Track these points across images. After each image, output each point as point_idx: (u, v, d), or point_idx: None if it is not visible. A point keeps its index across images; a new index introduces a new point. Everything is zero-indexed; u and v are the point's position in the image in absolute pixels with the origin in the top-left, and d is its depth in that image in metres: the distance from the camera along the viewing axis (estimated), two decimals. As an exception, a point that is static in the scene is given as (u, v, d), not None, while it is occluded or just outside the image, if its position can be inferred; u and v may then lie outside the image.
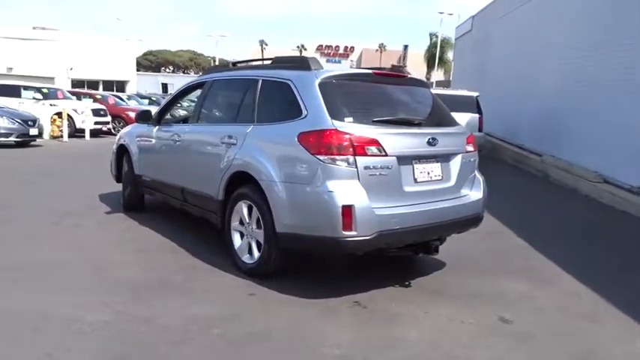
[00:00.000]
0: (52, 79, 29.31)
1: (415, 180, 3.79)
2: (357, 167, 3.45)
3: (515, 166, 12.89)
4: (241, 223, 4.15)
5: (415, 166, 3.80)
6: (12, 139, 13.17)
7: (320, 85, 3.75)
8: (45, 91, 18.08)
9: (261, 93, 4.24)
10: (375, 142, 3.53)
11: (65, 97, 18.41)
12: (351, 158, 3.44)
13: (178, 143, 5.06)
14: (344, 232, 3.40)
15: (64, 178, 8.85)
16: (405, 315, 3.49)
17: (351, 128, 3.53)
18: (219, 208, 4.36)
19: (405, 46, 50.63)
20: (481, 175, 4.44)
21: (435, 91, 13.60)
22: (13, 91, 17.37)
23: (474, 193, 4.25)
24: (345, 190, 3.42)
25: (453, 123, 4.35)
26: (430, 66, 49.93)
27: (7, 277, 3.89)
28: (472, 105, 11.75)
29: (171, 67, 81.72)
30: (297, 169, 3.62)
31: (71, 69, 33.12)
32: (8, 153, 12.23)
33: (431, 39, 51.81)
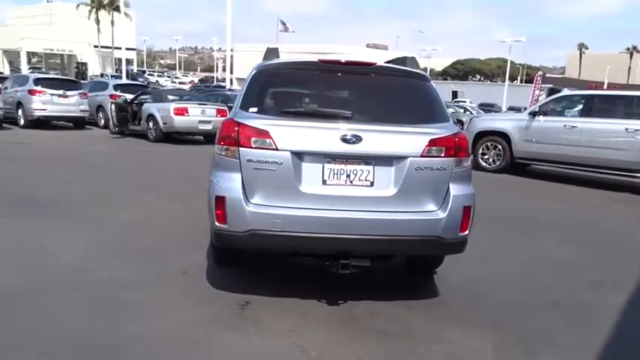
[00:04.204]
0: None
1: (324, 182, 3.27)
2: (239, 159, 3.26)
3: None
4: None
5: (326, 165, 3.27)
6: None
7: (253, 75, 3.68)
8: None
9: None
10: (263, 134, 3.23)
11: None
12: (235, 149, 3.28)
13: None
14: (217, 224, 3.29)
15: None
16: (259, 327, 3.15)
17: (248, 119, 3.33)
18: None
19: None
20: (466, 189, 3.40)
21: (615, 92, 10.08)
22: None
23: (439, 212, 3.32)
24: (224, 181, 3.29)
25: (423, 120, 3.45)
26: None
27: (65, 225, 5.16)
28: None
29: (477, 76, 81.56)
30: (214, 159, 3.65)
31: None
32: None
33: None
